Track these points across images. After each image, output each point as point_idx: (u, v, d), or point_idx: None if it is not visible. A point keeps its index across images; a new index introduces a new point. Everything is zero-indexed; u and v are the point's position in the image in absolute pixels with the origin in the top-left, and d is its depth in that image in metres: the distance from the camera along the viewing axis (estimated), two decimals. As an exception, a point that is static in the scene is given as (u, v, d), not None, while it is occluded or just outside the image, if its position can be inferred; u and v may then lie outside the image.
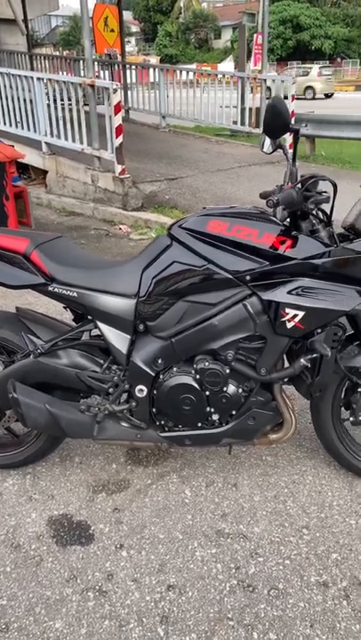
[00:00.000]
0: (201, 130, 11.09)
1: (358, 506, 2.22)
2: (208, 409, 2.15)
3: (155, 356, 2.15)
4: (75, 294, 2.14)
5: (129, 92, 11.51)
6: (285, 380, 2.16)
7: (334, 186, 1.98)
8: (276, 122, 1.77)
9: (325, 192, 1.97)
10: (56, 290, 2.15)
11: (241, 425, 2.16)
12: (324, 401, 2.22)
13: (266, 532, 2.10)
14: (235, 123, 10.22)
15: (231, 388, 2.11)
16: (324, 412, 2.24)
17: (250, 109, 9.86)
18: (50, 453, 2.49)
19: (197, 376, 2.09)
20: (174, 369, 2.15)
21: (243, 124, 9.98)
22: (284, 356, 2.14)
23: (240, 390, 2.12)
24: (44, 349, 2.19)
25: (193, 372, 2.11)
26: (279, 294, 1.95)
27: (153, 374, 2.16)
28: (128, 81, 11.70)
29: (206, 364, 2.07)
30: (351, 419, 2.21)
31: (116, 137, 6.43)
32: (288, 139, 8.68)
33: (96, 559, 2.00)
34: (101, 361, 2.25)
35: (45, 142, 7.57)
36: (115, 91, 6.34)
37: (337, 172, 7.83)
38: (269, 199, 1.76)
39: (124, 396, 2.24)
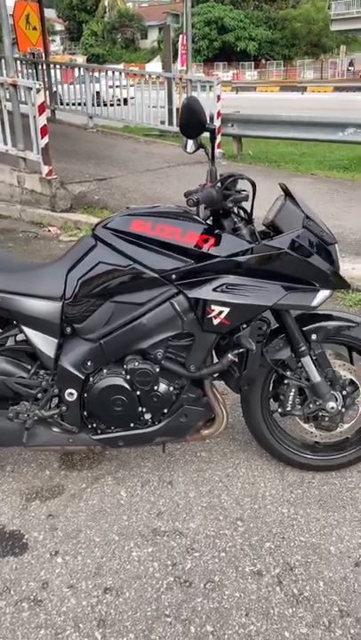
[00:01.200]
0: (130, 130, 11.08)
1: (290, 494, 2.28)
2: (140, 409, 2.15)
3: (84, 359, 2.12)
4: None
5: (55, 92, 11.31)
6: (215, 375, 2.19)
7: (253, 184, 2.03)
8: (191, 121, 1.80)
9: (245, 190, 2.02)
10: None
11: (173, 423, 2.18)
12: (253, 394, 2.27)
13: (201, 527, 2.13)
14: (163, 123, 10.27)
15: (162, 387, 2.12)
16: (254, 405, 2.29)
17: (177, 109, 9.93)
18: (-21, 463, 2.41)
19: (128, 376, 2.09)
20: (104, 371, 2.14)
21: (171, 124, 10.04)
22: (213, 352, 2.17)
23: (171, 388, 2.14)
24: (-34, 358, 2.12)
25: (123, 372, 2.10)
26: (205, 292, 1.98)
27: (82, 377, 2.14)
28: (53, 80, 11.49)
29: (136, 363, 2.07)
30: (280, 410, 2.27)
31: (42, 137, 6.31)
32: (218, 137, 8.87)
33: (30, 568, 1.96)
34: (28, 366, 2.20)
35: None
36: (38, 90, 6.22)
37: (264, 171, 8.02)
38: (189, 198, 1.79)
39: (54, 400, 2.21)
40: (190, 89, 9.26)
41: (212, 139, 1.89)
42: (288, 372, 2.22)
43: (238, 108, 10.19)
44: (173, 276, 2.00)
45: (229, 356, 2.07)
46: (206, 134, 1.97)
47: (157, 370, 2.07)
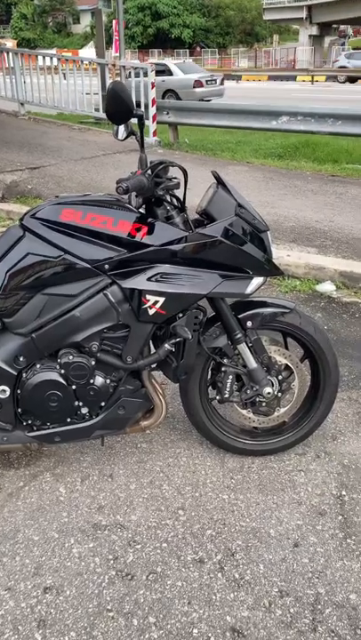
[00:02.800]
0: (64, 117, 10.81)
1: (230, 480, 2.30)
2: (76, 403, 2.11)
3: (15, 354, 2.06)
4: None
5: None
6: (153, 366, 2.17)
7: (184, 172, 2.01)
8: (118, 107, 1.75)
9: (175, 178, 1.99)
10: None
11: (111, 415, 2.15)
12: (191, 383, 2.27)
13: (143, 519, 2.11)
14: (97, 110, 10.09)
15: (99, 380, 2.08)
16: (192, 394, 2.29)
17: (104, 97, 9.77)
18: None
19: (62, 371, 2.04)
20: (37, 366, 2.08)
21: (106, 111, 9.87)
22: (150, 343, 2.15)
23: (108, 381, 2.10)
24: None
25: (57, 367, 2.05)
26: (139, 282, 1.95)
27: (15, 373, 2.07)
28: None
29: (71, 357, 2.02)
30: (218, 397, 2.28)
31: (-30, 124, 6.06)
32: (152, 125, 8.78)
33: (-34, 573, 1.89)
34: None
35: None
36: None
37: (200, 160, 8.04)
38: (119, 186, 1.75)
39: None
40: (124, 76, 9.13)
41: (141, 125, 1.85)
42: (225, 360, 2.23)
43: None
44: (106, 267, 1.95)
45: (166, 345, 2.05)
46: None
47: (93, 363, 2.03)
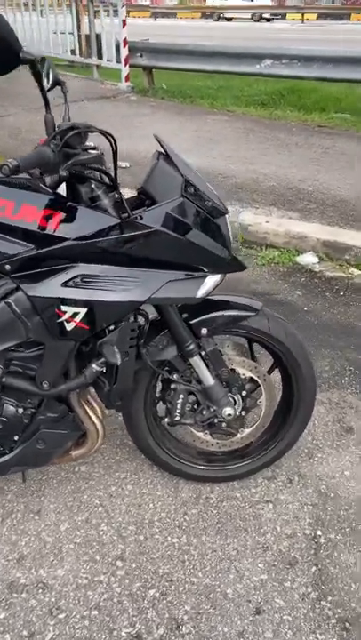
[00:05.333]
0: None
1: (183, 517, 1.90)
2: (-18, 437, 1.67)
3: None
4: None
5: None
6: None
7: (111, 138, 1.51)
8: None
9: (94, 148, 1.48)
10: None
11: (29, 450, 1.71)
12: (135, 402, 1.83)
13: (72, 574, 1.72)
14: (73, 52, 9.24)
15: (7, 410, 1.64)
16: (136, 415, 1.86)
17: (86, 36, 8.92)
18: None
19: None
20: None
21: (82, 54, 9.05)
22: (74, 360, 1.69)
23: (20, 410, 1.66)
24: None
25: None
26: (51, 288, 1.48)
27: None
28: None
29: (-34, 383, 1.56)
30: (167, 419, 1.85)
31: None
32: (125, 70, 8.01)
33: None
34: None
35: None
36: None
37: (176, 108, 7.36)
38: (4, 164, 1.24)
39: None
40: (92, 13, 8.28)
41: (36, 74, 1.32)
42: (175, 375, 1.78)
43: (155, 36, 9.29)
44: (7, 267, 1.47)
45: (94, 366, 1.60)
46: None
47: (-5, 390, 1.58)
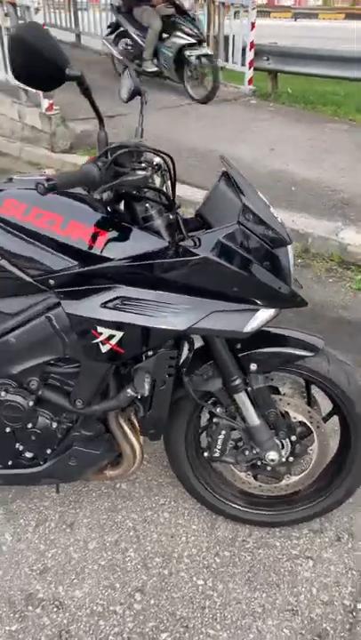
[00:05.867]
0: None
1: (214, 557, 1.79)
2: (17, 446, 1.67)
3: None
4: None
5: (79, 15, 10.34)
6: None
7: (168, 159, 1.43)
8: (32, 65, 1.16)
9: (147, 167, 1.40)
10: None
11: (60, 465, 1.69)
12: (175, 429, 1.75)
13: (88, 598, 1.67)
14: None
15: (41, 423, 1.62)
16: (176, 443, 1.78)
17: (224, 38, 8.88)
18: None
19: (-6, 408, 1.60)
20: (-27, 393, 1.65)
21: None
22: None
23: (55, 424, 1.63)
24: None
25: (-8, 400, 1.61)
26: (89, 307, 1.43)
27: None
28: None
29: (2, 394, 1.56)
30: (206, 454, 1.74)
31: (41, 66, 5.61)
32: (249, 73, 7.89)
33: None
34: None
35: (-30, 70, 6.68)
36: (37, 10, 5.48)
37: (296, 114, 7.10)
38: (39, 183, 1.19)
39: None
40: (223, 14, 8.22)
41: (84, 90, 1.26)
42: (218, 409, 1.67)
43: (296, 37, 9.05)
44: (51, 282, 1.45)
45: (128, 391, 1.54)
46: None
47: (31, 404, 1.56)
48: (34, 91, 5.86)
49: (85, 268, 1.42)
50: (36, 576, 1.73)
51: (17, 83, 5.91)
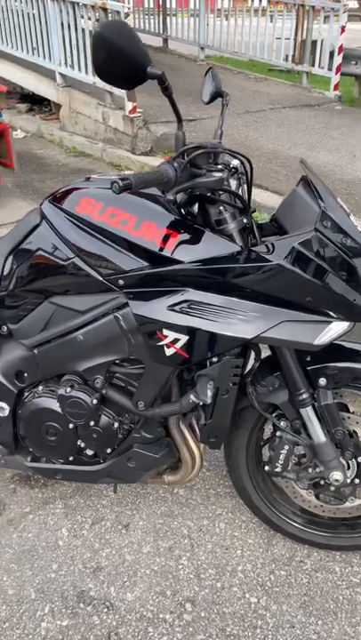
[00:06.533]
0: (254, 65, 9.89)
1: (269, 575, 1.73)
2: (78, 442, 1.68)
3: (18, 368, 1.68)
4: None
5: (168, 20, 10.47)
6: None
7: (247, 162, 1.39)
8: (114, 63, 1.15)
9: (222, 169, 1.36)
10: None
11: (120, 466, 1.69)
12: (237, 439, 1.71)
13: (139, 602, 1.66)
14: (286, 59, 9.11)
15: (103, 421, 1.62)
16: (237, 454, 1.73)
17: (302, 41, 8.73)
18: None
19: (58, 404, 1.61)
20: (40, 387, 1.68)
21: (294, 60, 8.89)
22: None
23: (117, 424, 1.63)
24: None
25: (57, 396, 1.62)
26: (156, 309, 1.41)
27: (15, 391, 1.69)
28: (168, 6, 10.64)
29: (68, 390, 1.57)
30: (267, 467, 1.68)
31: (127, 70, 5.72)
32: (335, 78, 7.69)
33: None
34: None
35: (60, 73, 6.91)
36: (127, 15, 5.58)
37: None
38: (114, 182, 1.18)
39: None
40: (311, 18, 8.06)
41: (166, 90, 1.24)
42: (282, 422, 1.61)
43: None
44: (121, 282, 1.44)
45: (191, 396, 1.51)
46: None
47: (95, 402, 1.57)
48: (119, 93, 6.02)
49: (155, 270, 1.40)
50: (90, 574, 1.74)
51: (103, 85, 6.06)
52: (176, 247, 1.39)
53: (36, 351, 1.61)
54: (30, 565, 1.76)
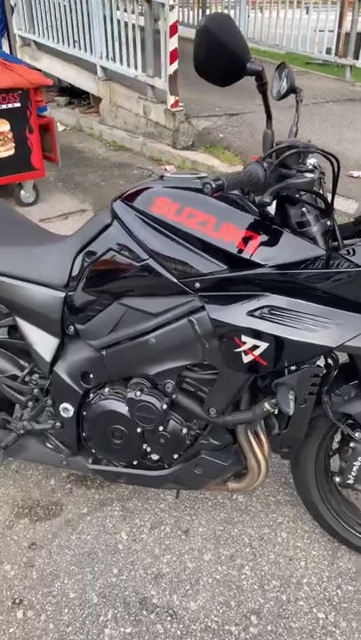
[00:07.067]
0: (294, 58, 9.70)
1: (336, 590, 1.67)
2: (144, 447, 1.65)
3: (84, 369, 1.65)
4: None
5: (207, 12, 10.36)
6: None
7: (335, 162, 1.32)
8: (217, 57, 1.10)
9: (314, 170, 1.30)
10: None
11: (186, 472, 1.65)
12: (306, 447, 1.65)
13: (203, 612, 1.62)
14: (328, 51, 8.90)
15: (172, 427, 1.58)
16: (305, 464, 1.68)
17: (346, 34, 8.52)
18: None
19: (127, 407, 1.58)
20: (106, 389, 1.65)
21: (337, 53, 8.69)
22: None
23: (185, 430, 1.59)
24: None
25: (125, 399, 1.59)
26: (235, 314, 1.36)
27: (80, 392, 1.67)
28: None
29: (138, 393, 1.54)
30: (338, 479, 1.62)
31: (170, 63, 5.65)
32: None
33: (-17, 617, 1.61)
34: (26, 364, 1.78)
35: (101, 66, 6.89)
36: (171, 7, 5.51)
37: None
38: (207, 183, 1.13)
39: (49, 411, 1.78)
40: (357, 10, 7.86)
41: (261, 86, 1.18)
42: (357, 434, 1.55)
43: None
44: (197, 285, 1.40)
45: (265, 405, 1.46)
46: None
47: (165, 407, 1.53)
48: (160, 87, 5.96)
49: (235, 273, 1.35)
50: (151, 580, 1.71)
51: (145, 78, 6.02)
52: (257, 250, 1.33)
53: (104, 353, 1.57)
54: (91, 569, 1.74)
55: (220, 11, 10.29)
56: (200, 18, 10.29)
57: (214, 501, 1.96)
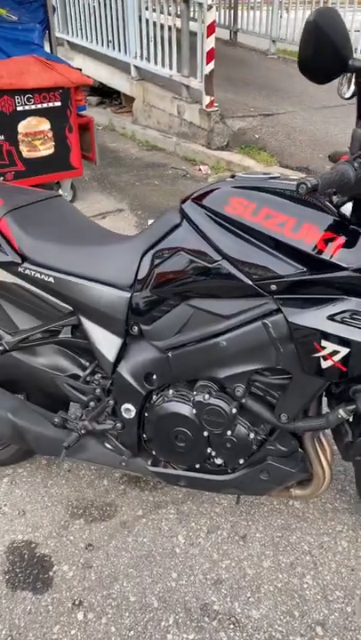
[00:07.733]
0: None
1: None
2: (208, 450, 1.62)
3: (147, 370, 1.63)
4: (51, 279, 1.64)
5: (238, 12, 10.30)
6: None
7: None
8: (321, 53, 1.07)
9: None
10: (27, 272, 1.66)
11: (250, 478, 1.62)
12: (374, 457, 1.61)
13: (266, 621, 1.59)
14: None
15: (239, 431, 1.55)
16: (372, 472, 1.64)
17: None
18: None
19: (195, 410, 1.55)
20: (170, 391, 1.62)
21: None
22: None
23: (252, 435, 1.56)
24: (9, 345, 1.73)
25: (192, 402, 1.57)
26: (314, 318, 1.33)
27: (144, 393, 1.65)
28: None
29: (206, 397, 1.51)
30: None
31: (207, 63, 5.63)
32: None
33: (44, 618, 1.60)
34: (87, 364, 1.77)
35: (135, 65, 6.89)
36: (209, 7, 5.49)
37: None
38: (302, 183, 1.10)
39: (111, 411, 1.76)
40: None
41: (359, 84, 1.16)
42: None
43: None
44: (273, 287, 1.36)
45: (340, 412, 1.42)
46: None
47: (234, 411, 1.50)
48: (196, 87, 5.94)
49: (315, 276, 1.32)
50: (211, 586, 1.68)
51: (180, 78, 5.99)
52: (338, 252, 1.30)
53: (169, 354, 1.55)
54: (149, 572, 1.72)
55: (249, 11, 10.24)
56: (230, 18, 10.27)
57: (270, 507, 1.93)
